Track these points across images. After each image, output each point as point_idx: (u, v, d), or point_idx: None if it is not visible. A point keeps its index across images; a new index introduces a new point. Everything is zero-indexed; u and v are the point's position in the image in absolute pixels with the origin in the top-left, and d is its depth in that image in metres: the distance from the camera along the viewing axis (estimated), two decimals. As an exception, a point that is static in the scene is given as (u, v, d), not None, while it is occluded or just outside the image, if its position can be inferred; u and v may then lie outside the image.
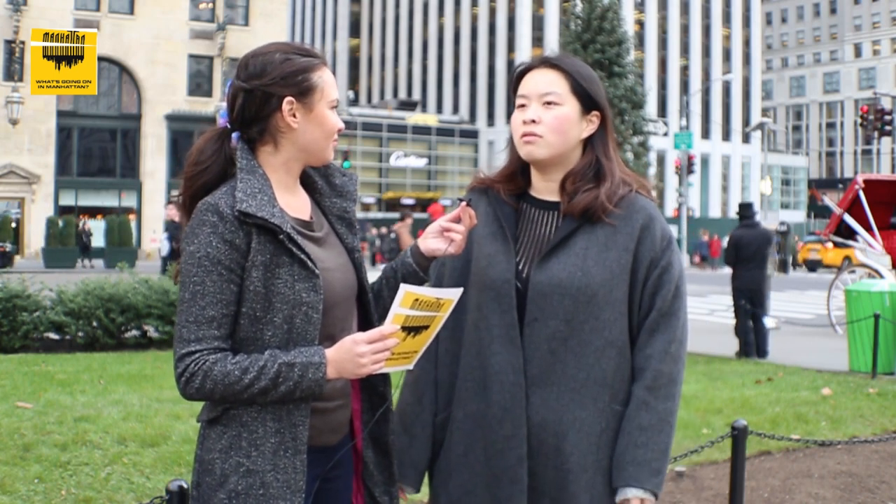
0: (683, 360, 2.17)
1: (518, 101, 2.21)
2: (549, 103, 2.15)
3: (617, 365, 2.12)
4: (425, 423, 2.24)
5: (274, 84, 1.96)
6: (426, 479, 2.29)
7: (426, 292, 1.93)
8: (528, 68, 2.23)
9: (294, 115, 1.98)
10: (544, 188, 2.23)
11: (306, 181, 2.13)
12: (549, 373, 2.10)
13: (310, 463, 1.97)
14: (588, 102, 2.18)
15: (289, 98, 1.97)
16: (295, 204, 2.05)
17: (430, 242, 2.16)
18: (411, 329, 1.94)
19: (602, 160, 2.19)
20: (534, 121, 2.15)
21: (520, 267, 2.17)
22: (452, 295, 1.98)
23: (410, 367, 2.03)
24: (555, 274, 2.10)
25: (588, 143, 2.21)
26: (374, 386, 2.14)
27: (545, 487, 2.09)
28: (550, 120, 2.14)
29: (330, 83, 2.02)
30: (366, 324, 2.12)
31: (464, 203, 2.14)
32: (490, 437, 2.12)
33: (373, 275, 2.22)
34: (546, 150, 2.15)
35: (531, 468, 2.09)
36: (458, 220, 2.14)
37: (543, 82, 2.17)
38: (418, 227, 19.85)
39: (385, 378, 2.13)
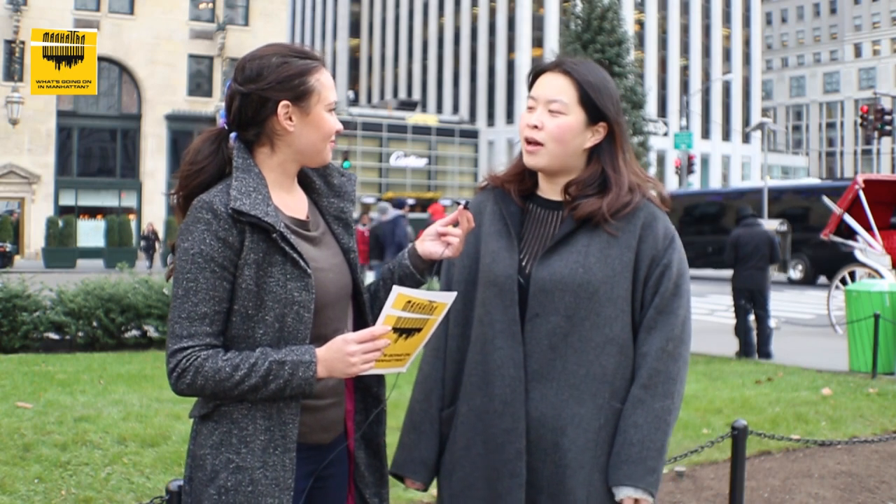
0: (685, 359, 2.16)
1: (528, 103, 2.24)
2: (554, 111, 2.16)
3: (618, 362, 2.13)
4: (433, 420, 2.25)
5: (270, 88, 1.96)
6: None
7: (419, 295, 1.92)
8: (542, 70, 2.24)
9: (290, 119, 1.98)
10: (550, 189, 2.25)
11: (304, 181, 2.13)
12: (549, 368, 2.11)
13: (303, 460, 1.97)
14: (595, 113, 2.18)
15: (284, 102, 1.96)
16: (291, 203, 2.05)
17: (428, 245, 2.17)
18: (403, 331, 1.94)
19: (608, 171, 2.18)
20: (536, 126, 2.17)
21: (523, 263, 2.18)
22: (445, 299, 1.98)
23: (403, 370, 2.03)
24: (556, 270, 2.12)
25: (594, 153, 2.21)
26: (368, 387, 2.14)
27: (543, 483, 2.10)
28: (553, 128, 2.16)
29: (327, 85, 2.01)
30: (361, 324, 2.12)
31: (461, 206, 2.16)
32: (490, 430, 2.13)
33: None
34: (546, 159, 2.17)
35: (529, 463, 2.10)
36: (455, 223, 2.16)
37: (552, 88, 2.18)
38: (419, 228, 19.81)
39: (379, 379, 2.14)
